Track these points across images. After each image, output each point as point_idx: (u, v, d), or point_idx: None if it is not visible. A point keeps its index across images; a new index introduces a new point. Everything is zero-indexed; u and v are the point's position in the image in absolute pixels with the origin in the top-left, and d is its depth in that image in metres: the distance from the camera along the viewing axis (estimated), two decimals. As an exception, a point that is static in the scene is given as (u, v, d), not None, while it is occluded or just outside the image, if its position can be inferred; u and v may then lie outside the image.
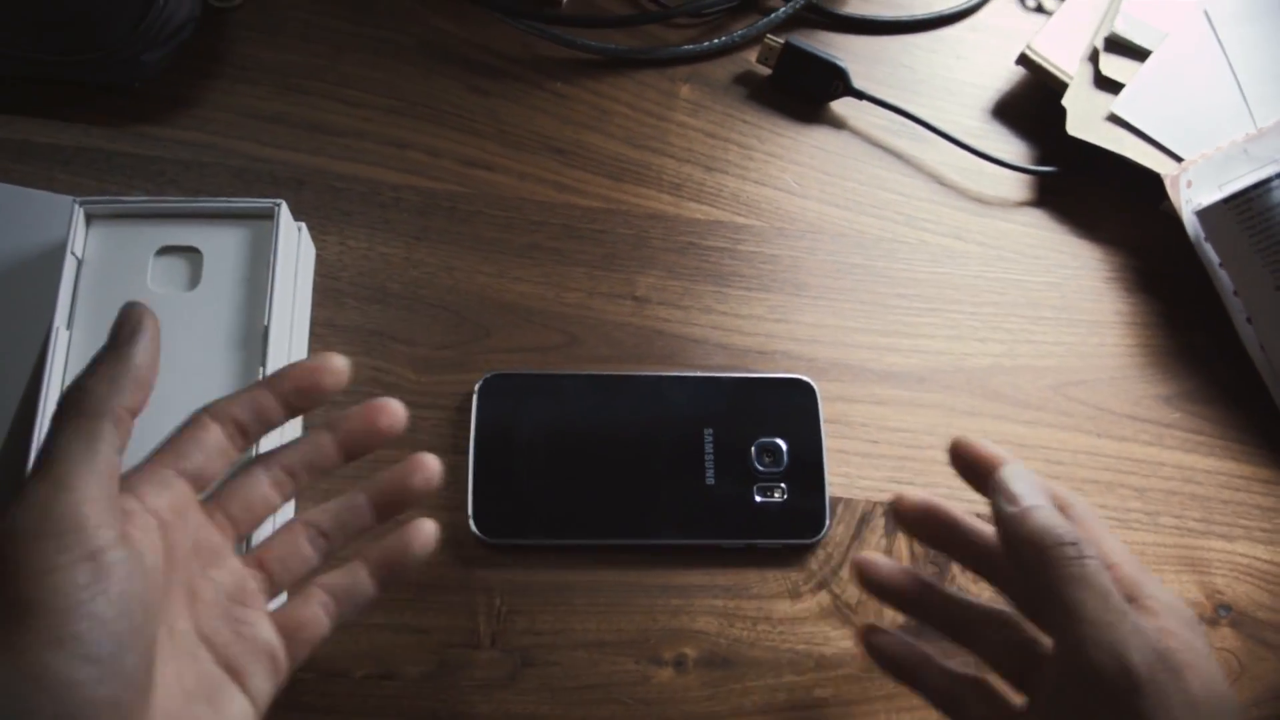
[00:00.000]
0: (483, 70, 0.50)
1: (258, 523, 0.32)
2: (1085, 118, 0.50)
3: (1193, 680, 0.30)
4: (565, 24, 0.51)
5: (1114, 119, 0.50)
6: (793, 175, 0.50)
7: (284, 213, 0.41)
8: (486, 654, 0.41)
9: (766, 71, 0.51)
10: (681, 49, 0.51)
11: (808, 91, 0.51)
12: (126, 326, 0.30)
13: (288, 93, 0.49)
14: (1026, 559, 0.32)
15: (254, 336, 0.40)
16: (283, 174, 0.47)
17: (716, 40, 0.51)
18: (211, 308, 0.41)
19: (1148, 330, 0.49)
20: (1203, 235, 0.48)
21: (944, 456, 0.45)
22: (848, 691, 0.42)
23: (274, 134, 0.48)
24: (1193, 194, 0.48)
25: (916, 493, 0.37)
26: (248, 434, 0.31)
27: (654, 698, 0.41)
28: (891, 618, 0.43)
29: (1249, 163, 0.48)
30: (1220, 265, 0.48)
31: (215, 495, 0.31)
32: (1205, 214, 0.48)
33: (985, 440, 0.36)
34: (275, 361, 0.40)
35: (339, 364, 0.32)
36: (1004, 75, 0.53)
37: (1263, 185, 0.46)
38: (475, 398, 0.44)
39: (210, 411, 0.31)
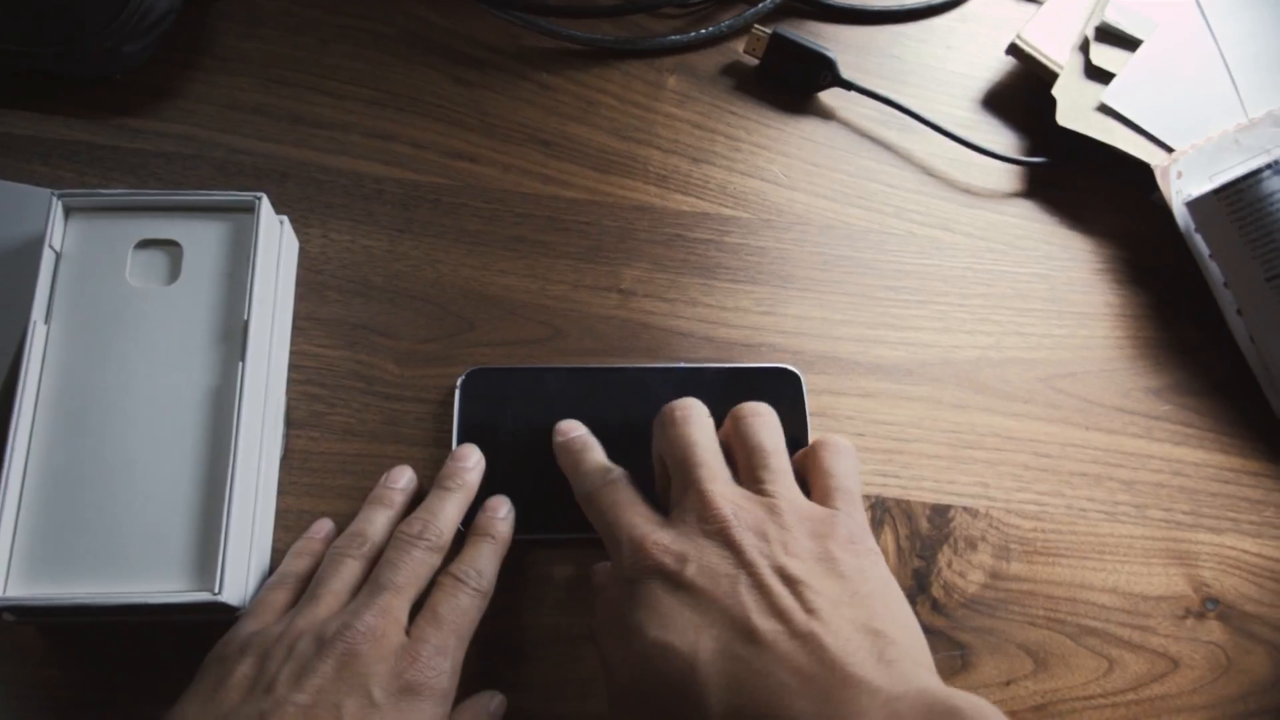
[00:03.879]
0: (467, 61, 0.50)
1: None
2: (1075, 108, 0.49)
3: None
4: (551, 14, 0.50)
5: (1104, 109, 0.49)
6: (780, 167, 0.50)
7: (265, 206, 0.41)
8: (471, 647, 0.41)
9: (754, 62, 0.51)
10: (668, 39, 0.51)
11: (795, 82, 0.51)
12: None
13: (270, 84, 0.48)
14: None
15: (234, 330, 0.40)
16: (265, 166, 0.47)
17: (704, 30, 0.51)
18: (191, 302, 0.40)
19: (1137, 322, 0.49)
20: (1193, 226, 0.48)
21: (932, 449, 0.46)
22: (832, 686, 0.42)
23: (257, 126, 0.48)
24: (1183, 185, 0.48)
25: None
26: None
27: (638, 692, 0.41)
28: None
29: (1240, 153, 0.48)
30: (1210, 257, 0.48)
31: None
32: (1196, 205, 0.47)
33: None
34: (255, 356, 0.39)
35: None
36: (994, 65, 0.53)
37: (1253, 176, 0.46)
38: (458, 392, 0.43)
39: None
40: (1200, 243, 0.48)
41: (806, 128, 0.51)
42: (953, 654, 0.43)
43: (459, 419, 0.43)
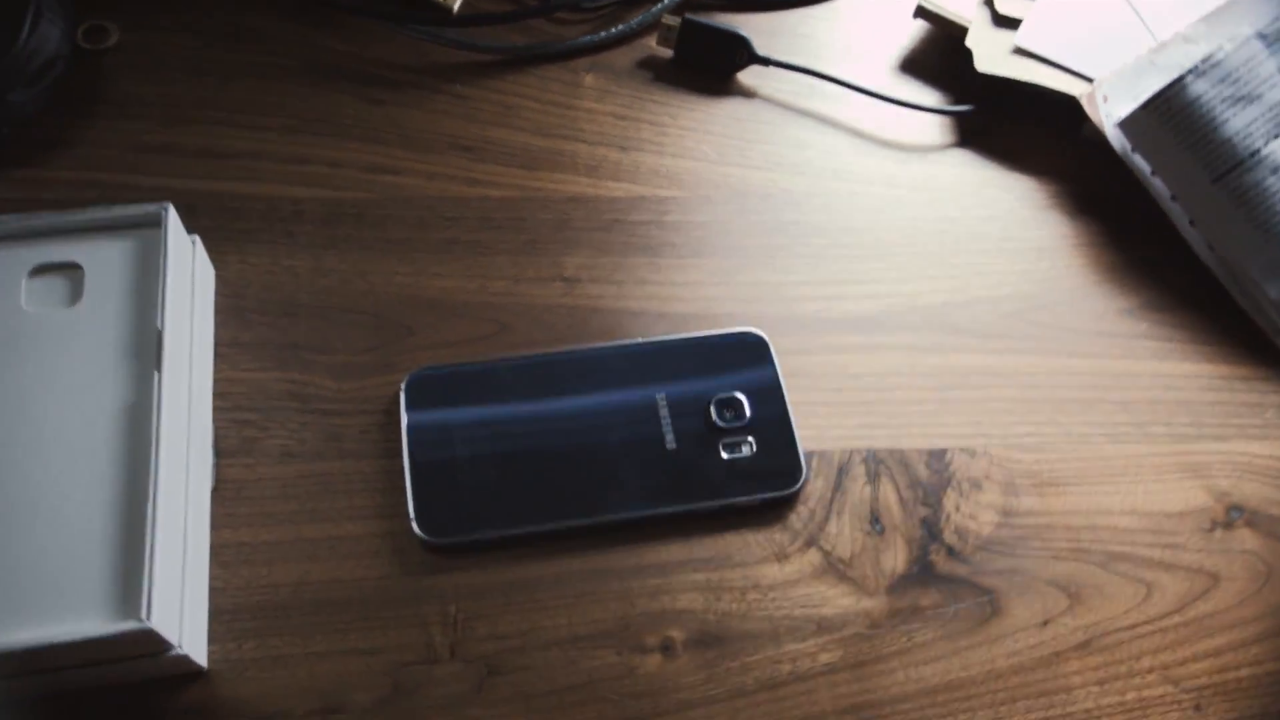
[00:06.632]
0: (378, 82, 0.49)
1: None
2: (991, 54, 0.50)
3: None
4: (448, 25, 0.49)
5: (1020, 51, 0.49)
6: (710, 146, 0.49)
7: (172, 216, 0.38)
8: (446, 668, 0.36)
9: (668, 53, 0.51)
10: (579, 41, 0.50)
11: (713, 66, 0.50)
12: None
13: (175, 124, 0.46)
14: None
15: (147, 345, 0.36)
16: (173, 201, 0.44)
17: (614, 29, 0.51)
18: (97, 321, 0.37)
19: (1095, 250, 0.48)
20: (1129, 147, 0.47)
21: (916, 395, 0.43)
22: (857, 652, 0.37)
23: (162, 164, 0.45)
24: (1110, 108, 0.48)
25: None
26: None
27: (643, 690, 0.36)
28: (891, 566, 0.39)
29: (1158, 73, 0.48)
30: (1152, 173, 0.47)
31: None
32: (1128, 124, 0.47)
33: None
34: (173, 367, 0.36)
35: None
36: (905, 33, 0.53)
37: (1177, 84, 0.46)
38: (403, 396, 0.40)
39: None
40: (1140, 161, 0.47)
41: (730, 107, 0.50)
42: (980, 600, 0.39)
43: (407, 424, 0.39)
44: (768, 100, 0.50)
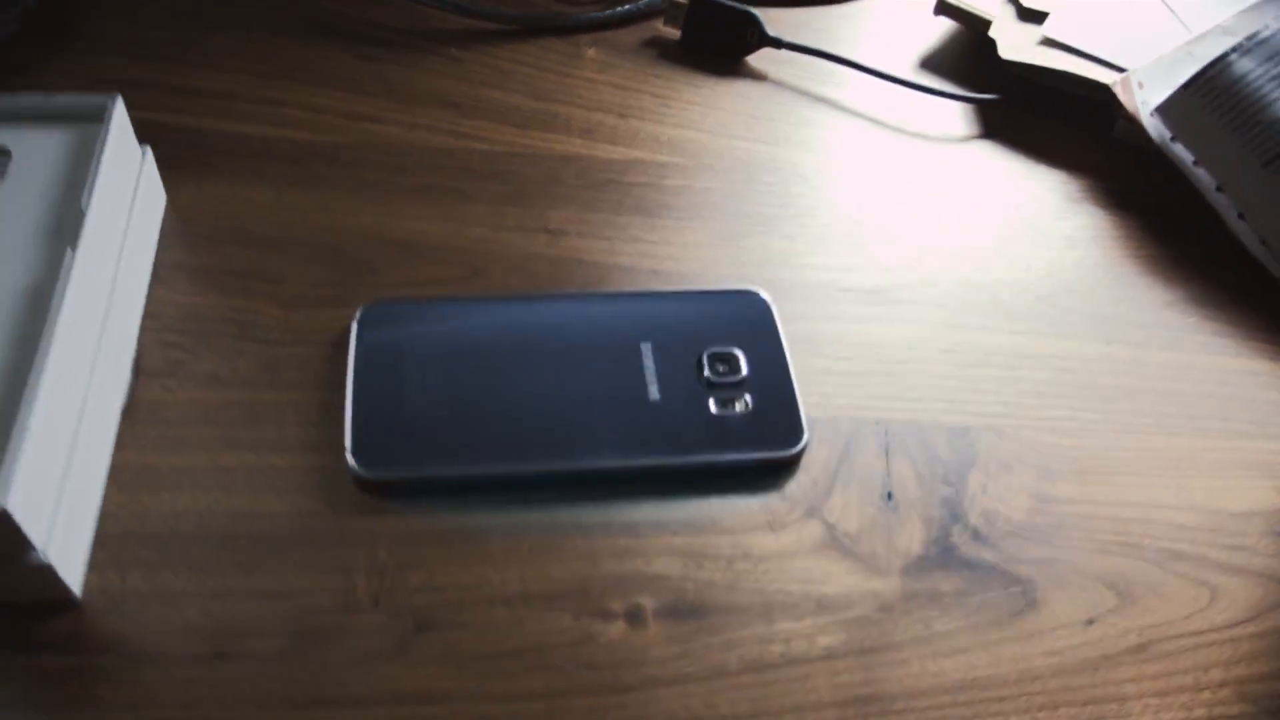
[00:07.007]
0: (369, 40, 0.46)
1: None
2: (1017, 44, 0.47)
3: None
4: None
5: (1047, 42, 0.47)
6: (715, 119, 0.46)
7: (119, 109, 0.35)
8: (367, 619, 0.30)
9: (676, 34, 0.48)
10: (584, 16, 0.48)
11: (722, 47, 0.48)
12: None
13: (147, 61, 0.44)
14: None
15: (69, 229, 0.32)
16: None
17: (621, 8, 0.49)
18: (15, 205, 0.33)
19: (1133, 243, 0.43)
20: (1168, 135, 0.44)
21: (936, 369, 0.38)
22: (863, 637, 0.31)
23: (127, 96, 0.42)
24: (1146, 95, 0.45)
25: None
26: None
27: (603, 660, 0.30)
28: (906, 545, 0.33)
29: (1196, 63, 0.45)
30: (1195, 163, 0.43)
31: None
32: (1167, 108, 0.44)
33: None
34: (92, 254, 0.31)
35: None
36: (927, 32, 0.51)
37: (1221, 61, 0.43)
38: (355, 325, 0.35)
39: None
40: (1181, 151, 0.44)
41: (739, 87, 0.47)
42: (1012, 591, 0.33)
43: (356, 351, 0.35)
44: (778, 83, 0.48)
